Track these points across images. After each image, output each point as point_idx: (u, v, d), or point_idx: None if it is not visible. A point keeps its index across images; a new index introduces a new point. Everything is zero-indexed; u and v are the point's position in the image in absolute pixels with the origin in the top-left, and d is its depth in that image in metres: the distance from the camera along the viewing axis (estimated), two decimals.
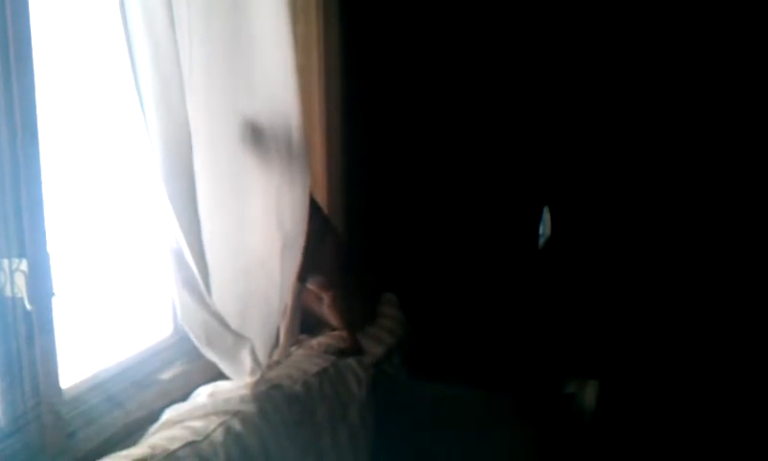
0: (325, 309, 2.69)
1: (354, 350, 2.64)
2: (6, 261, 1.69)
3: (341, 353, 2.58)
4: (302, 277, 2.51)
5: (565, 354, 3.07)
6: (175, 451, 1.77)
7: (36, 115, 1.71)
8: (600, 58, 3.42)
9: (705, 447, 3.31)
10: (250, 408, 2.05)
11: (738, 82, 3.32)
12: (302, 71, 2.71)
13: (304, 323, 2.66)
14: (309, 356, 2.51)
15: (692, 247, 3.52)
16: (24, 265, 1.70)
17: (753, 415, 3.36)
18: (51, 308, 1.78)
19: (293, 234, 2.31)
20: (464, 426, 2.51)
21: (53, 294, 1.77)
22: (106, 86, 1.96)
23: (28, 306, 1.71)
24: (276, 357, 2.44)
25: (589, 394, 2.77)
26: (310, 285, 2.62)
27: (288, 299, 2.47)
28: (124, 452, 1.73)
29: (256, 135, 2.16)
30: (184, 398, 2.11)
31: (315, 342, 2.63)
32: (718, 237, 3.48)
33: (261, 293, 2.22)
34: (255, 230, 2.18)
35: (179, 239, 1.85)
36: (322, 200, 2.84)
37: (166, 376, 2.25)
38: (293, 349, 2.55)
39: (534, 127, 3.54)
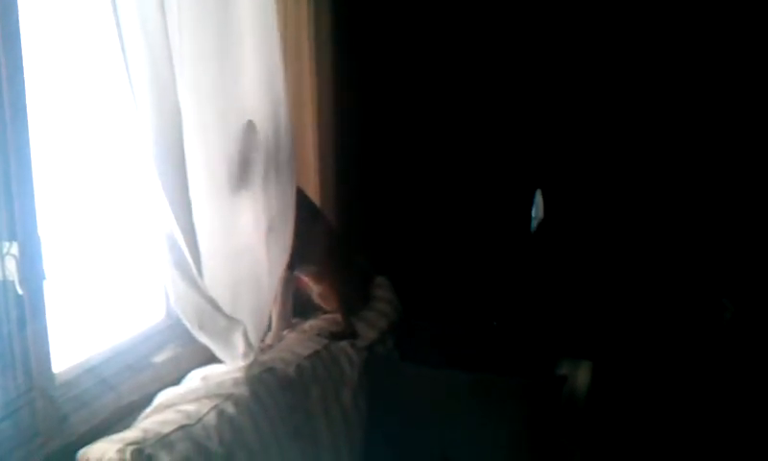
0: (316, 296, 2.69)
1: (348, 333, 2.64)
2: None
3: (335, 337, 2.58)
4: (292, 265, 2.50)
5: (558, 336, 3.08)
6: (168, 435, 1.77)
7: (24, 97, 1.70)
8: (592, 44, 3.42)
9: (697, 427, 3.33)
10: (242, 391, 2.05)
11: (724, 68, 3.33)
12: (293, 54, 2.72)
13: (297, 306, 2.66)
14: (302, 340, 2.51)
15: (685, 229, 3.52)
16: (15, 249, 1.69)
17: (745, 396, 3.38)
18: (42, 292, 1.78)
19: (279, 219, 2.30)
20: (456, 409, 2.52)
21: (44, 278, 1.77)
22: (96, 68, 1.95)
23: (19, 290, 1.71)
24: (268, 341, 2.45)
25: (582, 375, 2.78)
26: (302, 275, 2.61)
27: (278, 286, 2.46)
28: (117, 436, 1.73)
29: (248, 131, 2.16)
30: (177, 381, 2.11)
31: (308, 325, 2.63)
32: (710, 220, 3.49)
33: (251, 276, 2.22)
34: (243, 213, 2.18)
35: (170, 222, 1.85)
36: (313, 185, 2.84)
37: (159, 359, 2.25)
38: (285, 332, 2.55)
39: (525, 109, 3.53)
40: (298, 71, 2.77)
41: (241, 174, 2.17)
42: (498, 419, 2.49)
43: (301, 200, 2.46)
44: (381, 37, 3.38)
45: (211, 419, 1.91)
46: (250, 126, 2.17)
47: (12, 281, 1.70)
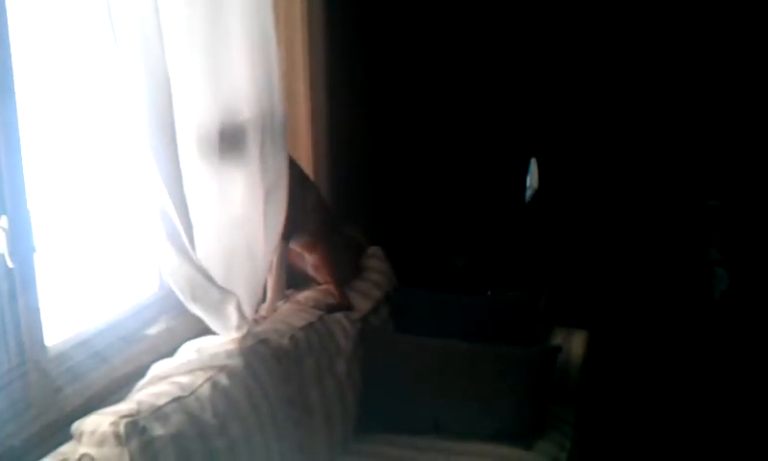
0: (310, 268, 2.68)
1: (343, 305, 2.63)
2: None
3: (329, 309, 2.58)
4: (287, 235, 2.49)
5: (554, 305, 3.09)
6: (162, 407, 1.77)
7: (11, 70, 1.68)
8: (583, 15, 3.41)
9: (692, 397, 3.35)
10: (236, 363, 2.05)
11: (711, 46, 3.34)
12: (286, 22, 2.69)
13: (291, 278, 2.65)
14: (296, 311, 2.51)
15: (681, 200, 3.52)
16: (4, 222, 1.68)
17: (739, 365, 3.40)
18: (33, 265, 1.77)
19: (275, 187, 2.29)
20: (450, 378, 2.52)
21: (34, 250, 1.76)
22: (84, 38, 1.92)
23: (9, 264, 1.70)
24: (263, 313, 2.44)
25: (577, 344, 2.78)
26: (294, 246, 2.60)
27: (274, 256, 2.45)
28: (111, 408, 1.72)
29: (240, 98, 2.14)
30: (171, 353, 2.11)
31: (302, 296, 2.62)
32: (704, 188, 3.49)
33: (245, 247, 2.21)
34: (238, 183, 2.16)
35: (162, 194, 1.83)
36: (306, 155, 2.82)
37: (152, 331, 2.25)
38: (279, 303, 2.55)
39: (521, 77, 3.52)
40: (290, 38, 2.75)
41: (234, 143, 2.15)
42: (492, 388, 2.49)
43: (291, 168, 2.44)
44: (375, 4, 3.35)
45: (205, 390, 1.90)
46: (242, 93, 2.15)
47: (2, 255, 1.69)
